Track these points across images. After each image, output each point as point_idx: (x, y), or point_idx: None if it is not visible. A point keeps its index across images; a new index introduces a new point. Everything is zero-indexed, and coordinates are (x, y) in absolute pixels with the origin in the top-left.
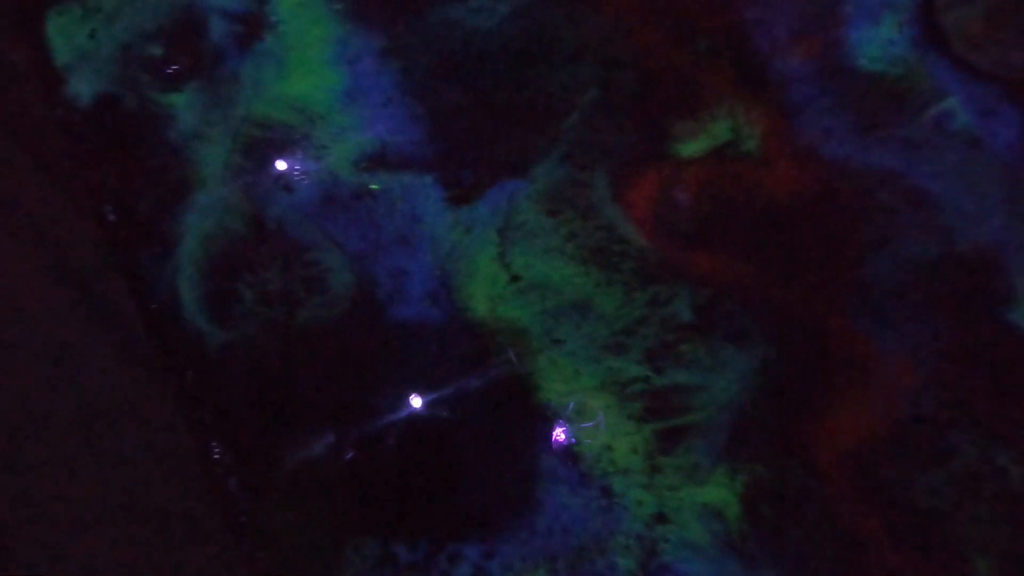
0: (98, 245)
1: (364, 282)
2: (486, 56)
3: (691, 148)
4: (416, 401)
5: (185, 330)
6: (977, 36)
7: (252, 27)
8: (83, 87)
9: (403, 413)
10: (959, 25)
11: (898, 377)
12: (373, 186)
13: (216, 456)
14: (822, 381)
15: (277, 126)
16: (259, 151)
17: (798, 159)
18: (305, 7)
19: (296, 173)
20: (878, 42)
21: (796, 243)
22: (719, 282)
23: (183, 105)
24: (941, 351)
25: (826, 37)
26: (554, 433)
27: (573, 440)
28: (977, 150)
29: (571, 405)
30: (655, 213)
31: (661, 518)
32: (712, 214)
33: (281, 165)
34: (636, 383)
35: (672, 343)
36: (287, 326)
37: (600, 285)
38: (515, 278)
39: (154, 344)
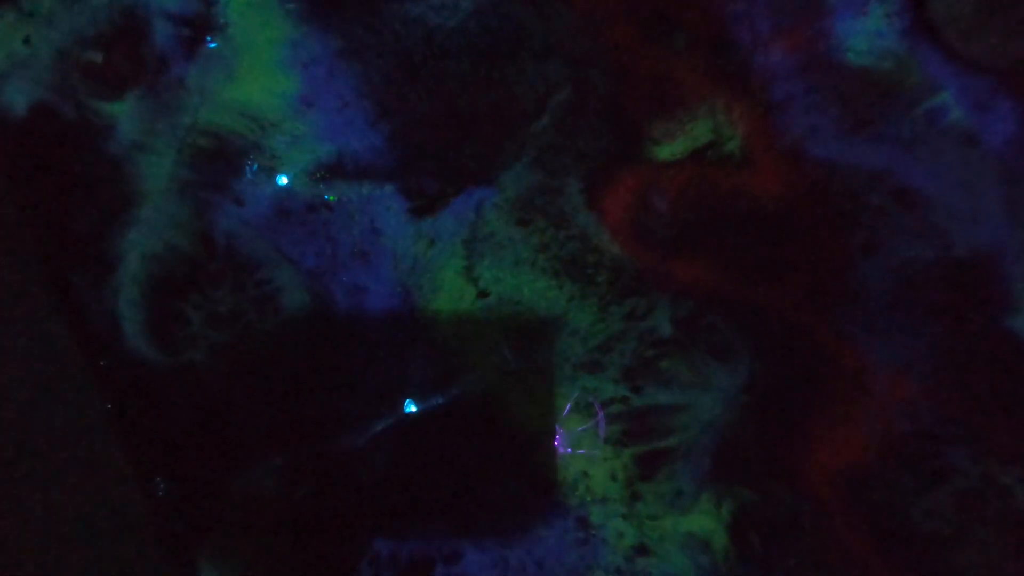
0: (32, 264)
1: (320, 301)
2: (448, 56)
3: (669, 150)
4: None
5: (127, 357)
6: (970, 25)
7: (199, 30)
8: (17, 96)
9: (360, 439)
10: (951, 13)
11: (892, 391)
12: (329, 197)
13: (160, 492)
14: (812, 397)
15: (226, 135)
16: (207, 162)
17: (783, 160)
18: (256, 8)
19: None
20: (865, 34)
21: (782, 249)
22: (701, 293)
23: (125, 114)
24: (938, 362)
25: (810, 30)
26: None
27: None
28: (973, 147)
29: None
30: (632, 220)
31: (642, 550)
32: (692, 220)
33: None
34: (613, 404)
35: (651, 360)
36: (238, 350)
37: (574, 299)
38: (483, 293)
39: (92, 372)
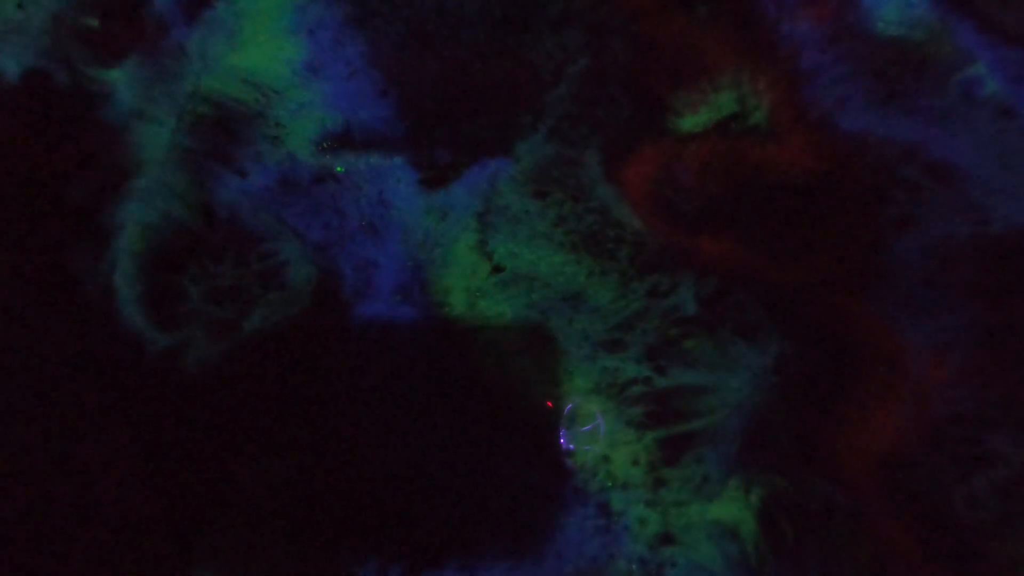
0: (25, 238)
1: (327, 276)
2: (462, 22)
3: (692, 122)
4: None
5: (122, 333)
6: None
7: None
8: (10, 62)
9: (372, 423)
10: None
11: (930, 373)
12: (337, 168)
13: (159, 474)
14: (845, 379)
15: (228, 103)
16: (208, 131)
17: (811, 132)
18: None
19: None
20: (895, 3)
21: (811, 225)
22: (727, 270)
23: (122, 81)
24: (977, 343)
25: None
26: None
27: (571, 447)
28: (1008, 119)
29: (568, 408)
30: (653, 194)
31: (667, 539)
32: (717, 194)
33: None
34: (635, 385)
35: (675, 339)
36: (240, 327)
37: (593, 275)
38: (497, 268)
39: (86, 350)
